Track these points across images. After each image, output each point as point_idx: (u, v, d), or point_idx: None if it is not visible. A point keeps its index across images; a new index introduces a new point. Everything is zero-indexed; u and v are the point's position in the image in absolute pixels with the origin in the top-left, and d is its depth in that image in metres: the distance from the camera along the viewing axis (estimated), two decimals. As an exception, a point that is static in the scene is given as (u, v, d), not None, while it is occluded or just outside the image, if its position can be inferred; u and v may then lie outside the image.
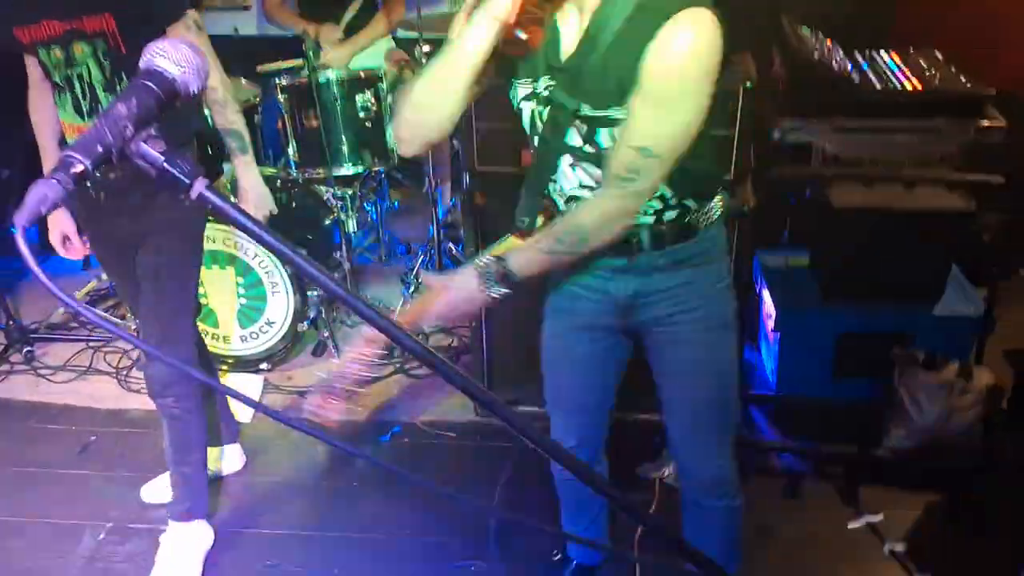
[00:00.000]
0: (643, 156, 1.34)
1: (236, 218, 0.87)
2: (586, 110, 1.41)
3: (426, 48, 3.29)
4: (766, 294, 2.98)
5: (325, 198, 3.35)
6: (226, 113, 2.17)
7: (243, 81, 3.48)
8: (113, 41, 1.94)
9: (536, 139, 1.54)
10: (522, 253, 1.48)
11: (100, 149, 0.82)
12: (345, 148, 3.31)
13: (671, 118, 1.33)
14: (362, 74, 3.30)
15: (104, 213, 2.11)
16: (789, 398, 2.87)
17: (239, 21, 4.06)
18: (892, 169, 2.62)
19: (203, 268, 2.97)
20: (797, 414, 2.83)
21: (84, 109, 2.03)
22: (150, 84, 0.89)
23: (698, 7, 1.28)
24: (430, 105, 1.45)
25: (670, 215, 1.54)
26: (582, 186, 1.52)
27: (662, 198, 1.51)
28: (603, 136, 1.42)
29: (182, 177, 0.85)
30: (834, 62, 2.78)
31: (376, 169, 3.49)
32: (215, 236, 2.92)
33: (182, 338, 2.21)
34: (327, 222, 3.33)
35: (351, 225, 3.50)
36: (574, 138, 1.46)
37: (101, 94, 2.01)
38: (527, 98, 1.51)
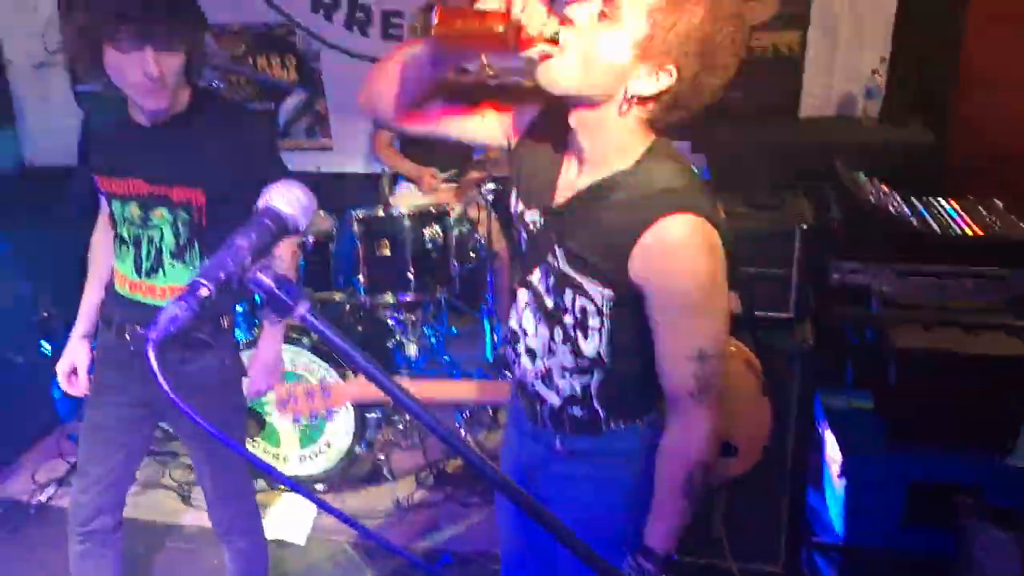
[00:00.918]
0: (703, 362, 1.35)
1: (333, 340, 1.00)
2: (562, 264, 1.41)
3: (491, 186, 3.52)
4: (829, 436, 2.97)
5: (389, 323, 3.52)
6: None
7: (322, 213, 3.76)
8: (197, 215, 1.97)
9: (518, 259, 1.57)
10: (657, 528, 1.46)
11: (223, 276, 0.96)
12: (411, 276, 3.50)
13: (705, 318, 1.34)
14: (432, 209, 3.53)
15: (136, 365, 2.05)
16: (856, 547, 2.81)
17: (321, 160, 4.40)
18: (955, 314, 2.66)
19: (270, 387, 3.14)
20: (864, 563, 2.76)
21: (144, 269, 2.03)
22: (267, 221, 1.04)
23: (688, 213, 1.27)
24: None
25: (575, 411, 1.51)
26: (521, 326, 1.52)
27: (572, 396, 1.49)
28: (566, 296, 1.41)
29: (288, 301, 0.99)
30: (891, 206, 2.89)
31: (438, 296, 3.66)
32: (284, 356, 3.07)
33: (241, 492, 2.26)
34: (389, 345, 3.49)
35: (412, 349, 3.65)
36: (540, 281, 1.46)
37: (167, 259, 2.01)
38: (520, 216, 1.52)
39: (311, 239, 3.58)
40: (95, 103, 2.10)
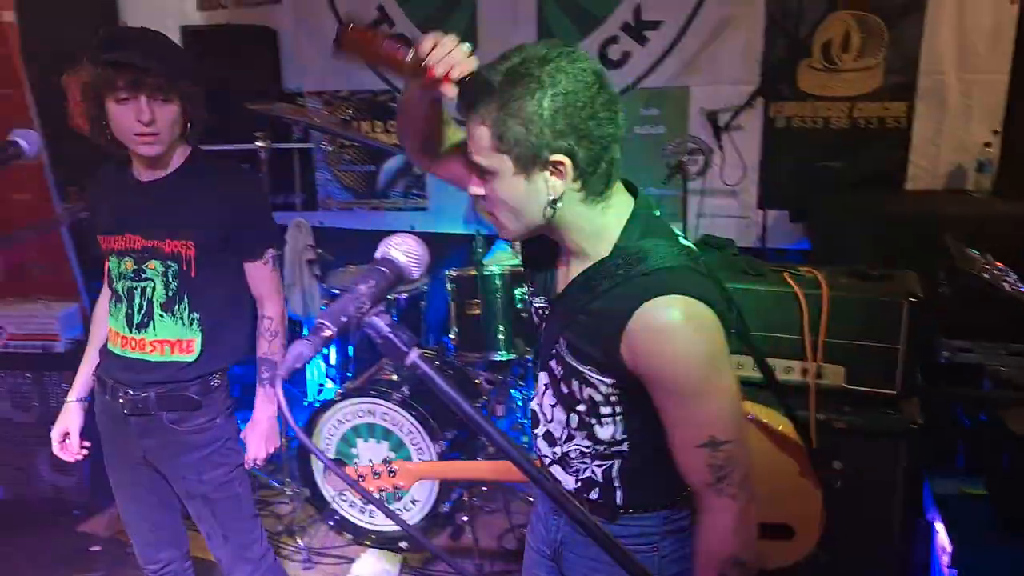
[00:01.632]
0: (715, 449, 1.28)
1: (441, 386, 1.04)
2: (565, 354, 1.40)
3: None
4: (939, 525, 2.83)
5: (478, 382, 3.57)
6: (274, 343, 2.23)
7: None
8: (187, 266, 2.05)
9: (538, 344, 1.55)
10: None
11: (344, 319, 1.03)
12: (501, 336, 3.55)
13: (707, 404, 1.28)
14: (522, 269, 3.60)
15: (131, 429, 2.15)
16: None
17: (417, 220, 4.55)
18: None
19: (359, 439, 3.22)
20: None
21: (135, 323, 2.09)
22: (384, 269, 1.11)
23: (670, 294, 1.24)
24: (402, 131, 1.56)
25: (592, 495, 1.47)
26: (541, 410, 1.52)
27: (589, 479, 1.46)
28: (574, 385, 1.40)
29: (402, 347, 1.04)
30: (1005, 283, 2.79)
31: (526, 357, 3.69)
32: (374, 409, 3.16)
33: (252, 542, 2.29)
34: (476, 405, 3.52)
35: (499, 410, 3.68)
36: (555, 367, 1.45)
37: (156, 311, 2.08)
38: (532, 303, 1.55)
39: (404, 296, 3.68)
40: (102, 170, 2.22)
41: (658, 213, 1.40)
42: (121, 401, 2.13)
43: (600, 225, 1.34)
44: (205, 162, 2.14)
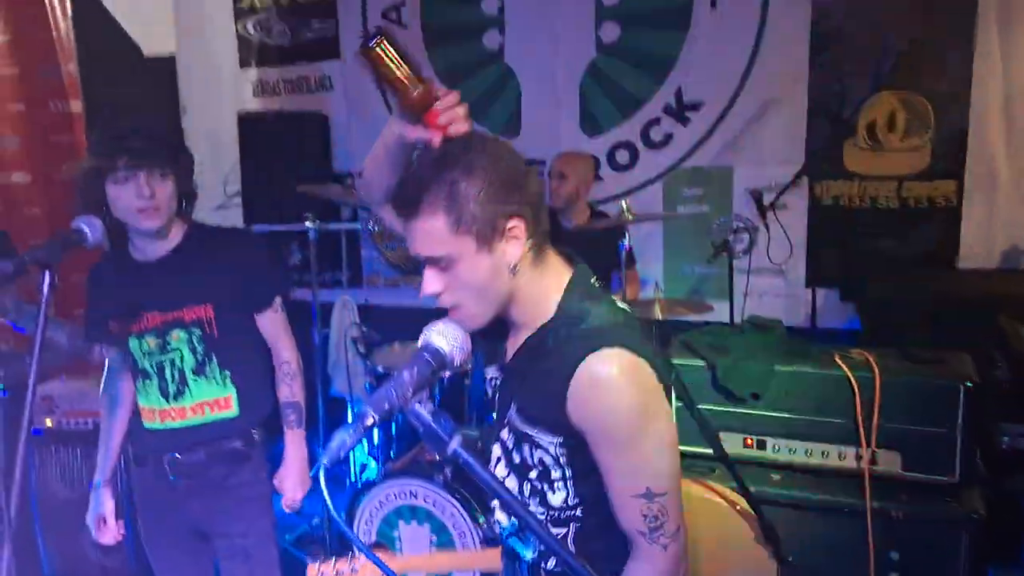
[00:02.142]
0: (649, 500, 1.32)
1: (481, 475, 1.05)
2: (515, 420, 1.42)
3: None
4: (1004, 621, 2.70)
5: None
6: (294, 386, 2.31)
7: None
8: (209, 328, 2.16)
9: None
10: None
11: (386, 407, 1.05)
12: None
13: (643, 454, 1.31)
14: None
15: (178, 496, 2.22)
16: None
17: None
18: None
19: (401, 522, 3.20)
20: None
21: (170, 392, 2.18)
22: (427, 357, 1.13)
23: (609, 347, 1.29)
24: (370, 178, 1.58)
25: (550, 564, 1.47)
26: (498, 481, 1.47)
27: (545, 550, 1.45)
28: (525, 450, 1.42)
29: (443, 435, 1.05)
30: (1068, 367, 2.72)
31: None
32: (417, 491, 3.14)
33: None
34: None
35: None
36: (507, 436, 1.46)
37: (189, 376, 2.17)
38: (484, 374, 1.58)
39: (447, 375, 3.70)
40: (97, 267, 2.30)
41: (594, 282, 1.45)
42: (168, 467, 2.20)
43: (544, 287, 1.39)
44: (204, 232, 2.26)
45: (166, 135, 2.21)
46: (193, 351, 2.17)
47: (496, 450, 1.51)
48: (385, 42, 1.29)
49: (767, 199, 3.81)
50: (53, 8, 4.09)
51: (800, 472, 2.66)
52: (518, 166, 1.33)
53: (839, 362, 2.63)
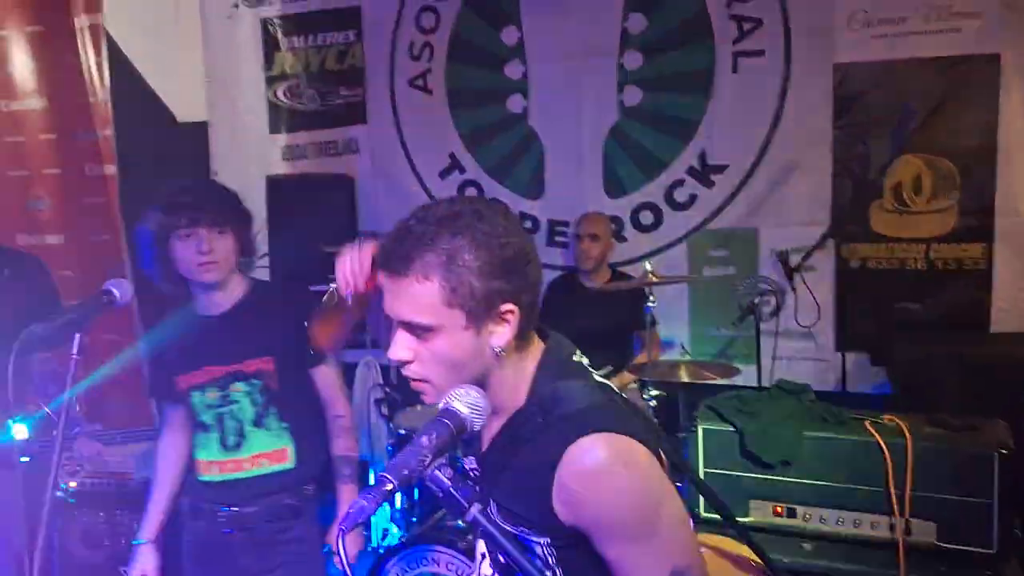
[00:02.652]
0: None
1: (501, 542, 1.05)
2: (496, 518, 1.28)
3: (654, 392, 3.52)
4: None
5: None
6: (349, 439, 2.38)
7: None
8: (269, 380, 2.25)
9: None
10: None
11: (406, 472, 1.05)
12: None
13: (662, 539, 1.21)
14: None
15: (231, 550, 2.26)
16: None
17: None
18: None
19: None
20: None
21: (229, 444, 2.26)
22: (447, 421, 1.14)
23: (593, 434, 1.19)
24: None
25: None
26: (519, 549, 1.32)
27: None
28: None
29: (463, 502, 1.05)
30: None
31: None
32: (439, 558, 3.10)
33: None
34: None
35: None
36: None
37: (248, 428, 2.26)
38: (460, 464, 1.46)
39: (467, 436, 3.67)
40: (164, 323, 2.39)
41: (577, 357, 1.36)
42: (223, 519, 2.26)
43: (522, 372, 1.30)
44: (265, 287, 2.39)
45: (224, 194, 2.33)
46: (253, 403, 2.26)
47: (480, 546, 1.43)
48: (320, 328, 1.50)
49: (794, 261, 3.81)
50: (91, 75, 4.26)
51: (832, 542, 2.60)
52: (526, 248, 1.25)
53: (870, 428, 2.59)
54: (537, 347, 1.33)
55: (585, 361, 1.37)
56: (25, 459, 2.51)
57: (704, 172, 4.12)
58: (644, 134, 4.22)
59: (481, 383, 1.26)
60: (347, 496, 2.34)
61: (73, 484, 3.32)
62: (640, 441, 1.21)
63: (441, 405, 1.17)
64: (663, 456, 1.28)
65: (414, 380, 1.27)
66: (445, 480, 1.07)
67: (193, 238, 2.14)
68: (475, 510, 1.05)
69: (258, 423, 2.26)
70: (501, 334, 1.24)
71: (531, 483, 1.22)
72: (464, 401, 1.17)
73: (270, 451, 2.27)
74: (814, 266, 3.85)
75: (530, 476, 1.23)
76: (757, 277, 3.97)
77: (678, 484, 1.46)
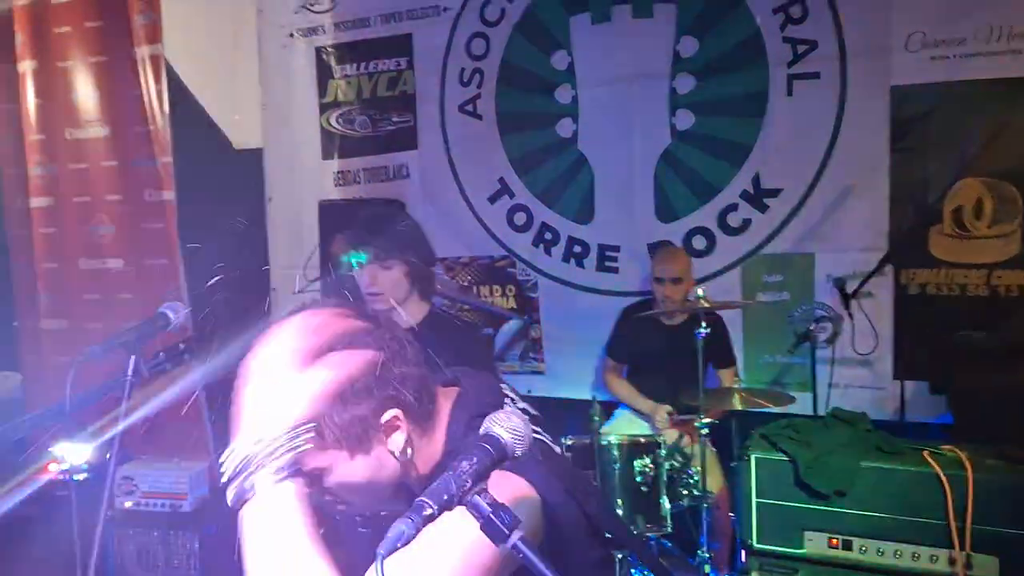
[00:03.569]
0: None
1: (541, 570, 1.06)
2: None
3: (706, 420, 3.49)
4: None
5: (593, 560, 3.46)
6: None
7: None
8: None
9: None
10: None
11: (445, 498, 1.07)
12: (618, 510, 3.47)
13: None
14: (642, 439, 3.56)
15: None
16: None
17: (533, 384, 4.63)
18: None
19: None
20: None
21: None
22: (487, 447, 1.16)
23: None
24: None
25: None
26: None
27: None
28: None
29: (502, 527, 1.07)
30: None
31: (647, 535, 3.58)
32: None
33: None
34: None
35: (617, 592, 3.53)
36: None
37: None
38: None
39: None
40: None
41: (507, 391, 1.39)
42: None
43: (437, 441, 1.31)
44: (441, 321, 2.55)
45: (396, 227, 2.50)
46: None
47: None
48: None
49: (850, 287, 3.76)
50: (151, 104, 4.42)
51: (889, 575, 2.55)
52: (389, 345, 1.23)
53: (929, 459, 2.55)
54: (447, 401, 1.34)
55: (511, 394, 1.39)
56: (82, 477, 2.61)
57: (758, 196, 4.10)
58: (696, 158, 4.22)
59: (406, 475, 1.27)
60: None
61: (128, 504, 3.42)
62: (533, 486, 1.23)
63: (482, 430, 1.20)
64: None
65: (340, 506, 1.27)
66: (485, 506, 1.09)
67: (363, 271, 2.36)
68: (515, 537, 1.07)
69: None
70: (396, 440, 1.24)
71: None
72: (505, 426, 1.19)
73: None
74: (872, 292, 3.79)
75: None
76: (813, 303, 3.93)
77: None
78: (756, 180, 4.09)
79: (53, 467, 3.61)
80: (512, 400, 1.43)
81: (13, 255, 4.77)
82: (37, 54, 4.60)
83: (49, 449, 3.64)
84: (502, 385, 1.42)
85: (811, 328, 3.71)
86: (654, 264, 3.98)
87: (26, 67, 4.62)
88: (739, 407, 3.47)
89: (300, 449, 1.14)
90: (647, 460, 3.50)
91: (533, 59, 4.47)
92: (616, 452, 3.51)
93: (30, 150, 4.68)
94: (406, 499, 1.30)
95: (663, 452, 3.54)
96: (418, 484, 1.30)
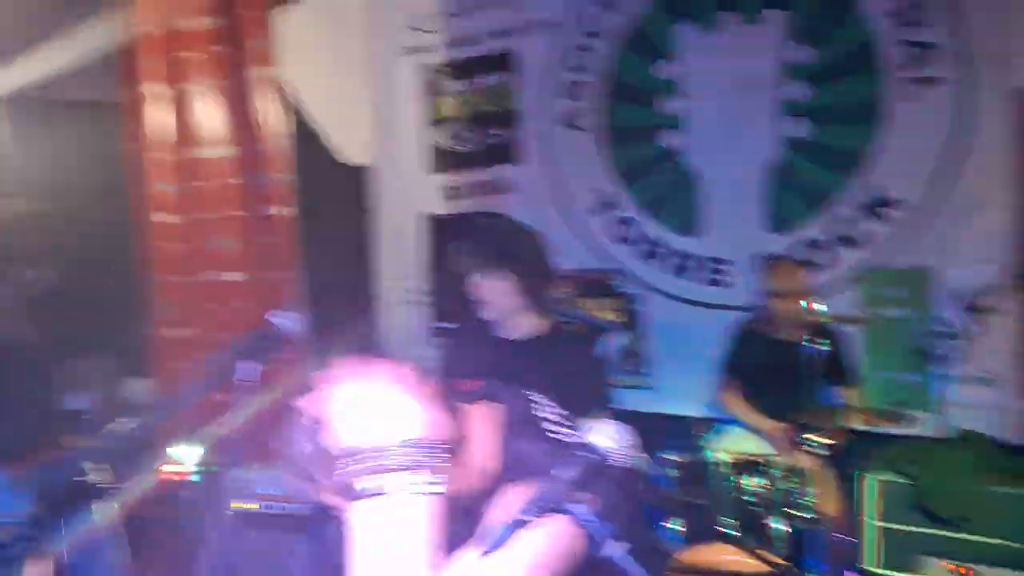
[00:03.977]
0: None
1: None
2: None
3: (823, 439, 3.37)
4: None
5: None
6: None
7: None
8: None
9: None
10: None
11: (545, 503, 1.09)
12: (728, 530, 3.40)
13: None
14: (755, 457, 3.47)
15: None
16: None
17: (639, 399, 4.59)
18: None
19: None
20: None
21: None
22: (589, 455, 1.17)
23: None
24: None
25: None
26: None
27: None
28: None
29: (599, 537, 1.08)
30: None
31: (758, 556, 3.48)
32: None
33: None
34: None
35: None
36: None
37: None
38: None
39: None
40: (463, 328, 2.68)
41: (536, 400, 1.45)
42: None
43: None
44: (564, 333, 2.58)
45: (504, 239, 2.58)
46: None
47: None
48: None
49: (974, 302, 3.57)
50: (269, 123, 4.64)
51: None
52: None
53: (1063, 485, 2.39)
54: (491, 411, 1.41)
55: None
56: (201, 478, 2.75)
57: (875, 207, 3.95)
58: (809, 168, 4.11)
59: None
60: None
61: (243, 506, 3.57)
62: None
63: (583, 439, 1.21)
64: None
65: None
66: (584, 513, 1.10)
67: (471, 280, 2.45)
68: (610, 547, 1.07)
69: None
70: None
71: None
72: (607, 436, 1.21)
73: None
74: (996, 308, 3.59)
75: None
76: (934, 319, 3.75)
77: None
78: (873, 190, 3.95)
79: (172, 467, 3.82)
80: (540, 410, 1.46)
81: (144, 268, 5.09)
82: (165, 77, 4.91)
83: (168, 450, 3.85)
84: (530, 396, 1.46)
85: (932, 345, 3.55)
86: (771, 278, 3.87)
87: (155, 90, 4.94)
88: (858, 426, 3.34)
89: (436, 466, 1.18)
90: (760, 479, 3.41)
91: (638, 70, 4.47)
92: (725, 470, 3.44)
93: (158, 169, 4.99)
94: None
95: (777, 471, 3.44)
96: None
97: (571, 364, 2.40)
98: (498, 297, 2.44)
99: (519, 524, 1.06)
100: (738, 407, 4.04)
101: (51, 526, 2.93)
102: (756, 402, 3.98)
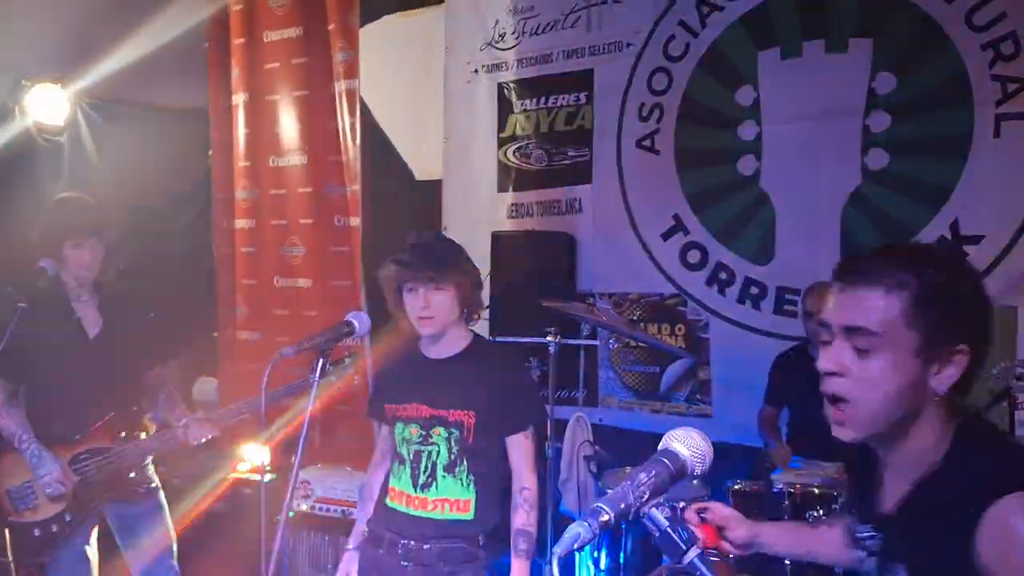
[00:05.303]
0: None
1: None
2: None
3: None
4: None
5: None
6: (530, 515, 2.43)
7: (694, 481, 3.79)
8: (467, 433, 2.39)
9: None
10: None
11: (623, 506, 1.08)
12: (787, 563, 3.30)
13: None
14: (817, 489, 3.37)
15: None
16: None
17: (699, 427, 4.50)
18: None
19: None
20: None
21: (420, 483, 2.43)
22: (666, 461, 1.15)
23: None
24: None
25: None
26: None
27: None
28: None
29: (681, 544, 1.06)
30: None
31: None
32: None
33: None
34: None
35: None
36: None
37: (440, 473, 2.42)
38: (852, 533, 1.48)
39: (681, 505, 3.58)
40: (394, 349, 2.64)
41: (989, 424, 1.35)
42: (400, 552, 2.43)
43: (942, 430, 1.27)
44: (484, 347, 2.58)
45: (448, 251, 2.52)
46: (449, 449, 2.42)
47: None
48: None
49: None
50: (344, 135, 4.73)
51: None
52: (982, 300, 1.28)
53: None
54: (955, 408, 1.29)
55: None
56: (269, 478, 2.78)
57: (957, 243, 3.83)
58: (889, 200, 4.02)
59: (897, 430, 1.26)
60: (519, 571, 2.41)
61: (304, 507, 3.61)
62: None
63: (661, 445, 1.19)
64: None
65: (834, 398, 1.28)
66: (663, 519, 1.08)
67: (414, 292, 2.37)
68: (693, 553, 1.05)
69: (449, 470, 2.42)
70: (946, 376, 1.24)
71: (946, 547, 1.20)
72: (686, 443, 1.19)
73: (454, 499, 2.41)
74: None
75: (946, 540, 1.20)
76: (1014, 361, 3.62)
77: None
78: (955, 225, 3.84)
79: (240, 467, 3.89)
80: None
81: (219, 271, 5.22)
82: (249, 87, 5.06)
83: (236, 449, 3.92)
84: None
85: (1010, 387, 3.42)
86: (810, 301, 3.79)
87: (239, 99, 5.09)
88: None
89: None
90: (821, 513, 3.32)
91: (716, 94, 4.44)
92: (787, 501, 3.34)
93: (238, 175, 5.13)
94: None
95: (837, 507, 3.34)
96: (899, 470, 1.33)
97: (494, 381, 2.42)
98: (443, 310, 2.37)
99: (595, 522, 1.05)
100: (764, 430, 3.92)
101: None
102: (798, 427, 3.86)
